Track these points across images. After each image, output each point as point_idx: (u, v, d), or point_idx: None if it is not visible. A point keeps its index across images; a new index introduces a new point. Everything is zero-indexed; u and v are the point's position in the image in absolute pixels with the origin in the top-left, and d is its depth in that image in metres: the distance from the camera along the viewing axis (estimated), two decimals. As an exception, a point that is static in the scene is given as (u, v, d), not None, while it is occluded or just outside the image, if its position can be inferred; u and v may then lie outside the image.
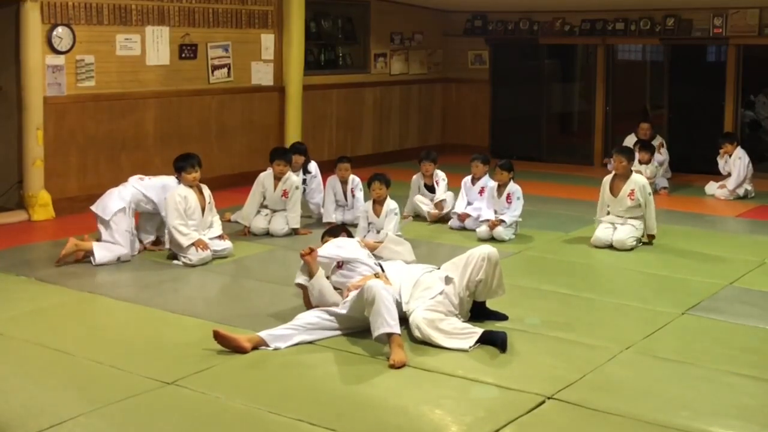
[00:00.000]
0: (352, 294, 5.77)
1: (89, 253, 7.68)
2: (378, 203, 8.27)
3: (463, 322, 5.81)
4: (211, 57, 11.15)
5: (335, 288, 6.10)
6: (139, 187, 8.05)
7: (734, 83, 12.55)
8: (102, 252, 7.68)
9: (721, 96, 12.61)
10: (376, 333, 5.41)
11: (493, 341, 5.54)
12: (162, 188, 8.04)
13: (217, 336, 5.49)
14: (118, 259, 7.73)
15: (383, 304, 5.41)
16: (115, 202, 7.91)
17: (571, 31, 13.63)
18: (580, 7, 13.24)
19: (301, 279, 6.18)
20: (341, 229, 6.79)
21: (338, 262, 6.13)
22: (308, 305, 6.13)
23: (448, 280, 5.91)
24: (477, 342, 5.54)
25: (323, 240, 6.63)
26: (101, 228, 7.87)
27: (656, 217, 8.54)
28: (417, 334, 5.63)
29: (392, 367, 5.23)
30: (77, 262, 7.66)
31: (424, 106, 14.43)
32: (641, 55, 14.40)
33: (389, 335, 5.37)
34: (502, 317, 6.07)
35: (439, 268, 6.12)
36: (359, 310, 5.63)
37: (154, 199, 8.03)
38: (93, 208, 8.03)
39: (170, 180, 8.13)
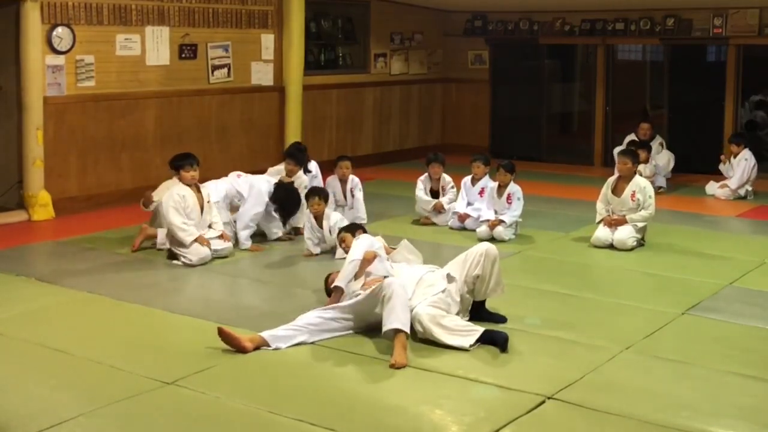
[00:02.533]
0: (364, 291, 5.79)
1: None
2: (317, 218, 8.04)
3: (466, 320, 5.82)
4: (211, 57, 11.15)
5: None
6: (235, 184, 8.36)
7: (734, 83, 12.55)
8: None
9: (721, 96, 12.61)
10: (387, 327, 5.40)
11: (494, 341, 5.54)
12: (250, 186, 8.33)
13: (222, 333, 5.49)
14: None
15: (400, 301, 5.45)
16: (211, 196, 8.14)
17: (571, 31, 13.63)
18: (580, 7, 13.23)
19: (343, 282, 6.11)
20: (357, 227, 6.81)
21: None
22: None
23: (450, 279, 5.92)
24: (478, 341, 5.54)
25: (339, 236, 6.67)
26: None
27: (656, 217, 8.55)
28: (418, 328, 5.62)
29: (392, 366, 5.23)
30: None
31: (424, 106, 14.43)
32: (641, 55, 14.40)
33: (397, 332, 5.37)
34: (501, 319, 6.06)
35: (441, 268, 6.12)
36: (368, 306, 5.65)
37: (244, 194, 8.34)
38: None
39: (259, 180, 8.44)
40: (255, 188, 8.35)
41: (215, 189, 8.31)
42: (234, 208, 8.45)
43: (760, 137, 13.81)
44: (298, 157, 8.96)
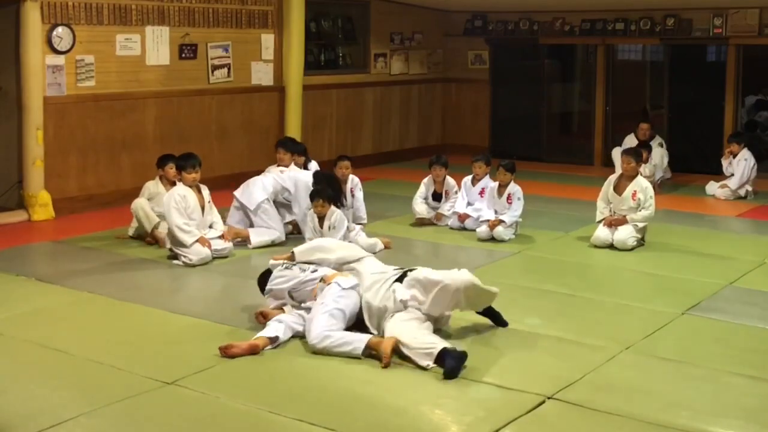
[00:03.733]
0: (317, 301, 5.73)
1: (245, 238, 8.27)
2: (320, 219, 8.02)
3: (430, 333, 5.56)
4: (211, 57, 11.15)
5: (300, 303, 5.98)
6: (279, 179, 8.57)
7: (734, 83, 12.55)
8: (257, 237, 8.26)
9: (721, 96, 12.61)
10: (356, 354, 5.34)
11: (444, 362, 5.17)
12: (295, 181, 8.54)
13: (227, 352, 5.37)
14: (272, 242, 8.27)
15: (340, 340, 5.40)
16: (259, 193, 8.45)
17: (571, 31, 13.63)
18: (580, 7, 13.24)
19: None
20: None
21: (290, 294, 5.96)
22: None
23: (404, 305, 5.63)
24: (436, 362, 5.22)
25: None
26: (250, 215, 8.43)
27: (656, 217, 8.56)
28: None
29: (386, 366, 5.23)
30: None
31: (424, 106, 14.43)
32: (641, 55, 14.40)
33: (366, 348, 5.35)
34: (502, 322, 5.95)
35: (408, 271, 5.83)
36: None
37: (290, 189, 8.56)
38: (237, 195, 8.54)
39: (301, 173, 8.66)
40: (302, 182, 8.51)
41: (263, 185, 8.52)
42: (279, 204, 8.64)
43: (759, 137, 13.83)
44: (288, 144, 9.12)
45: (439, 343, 5.27)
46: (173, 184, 8.22)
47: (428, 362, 5.23)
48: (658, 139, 11.84)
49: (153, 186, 8.57)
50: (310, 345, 5.47)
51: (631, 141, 11.46)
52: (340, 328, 5.55)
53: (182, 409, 4.73)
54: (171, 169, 8.40)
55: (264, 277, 6.14)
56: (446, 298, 5.62)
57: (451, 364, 5.13)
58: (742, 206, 10.60)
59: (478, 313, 5.96)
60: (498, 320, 5.98)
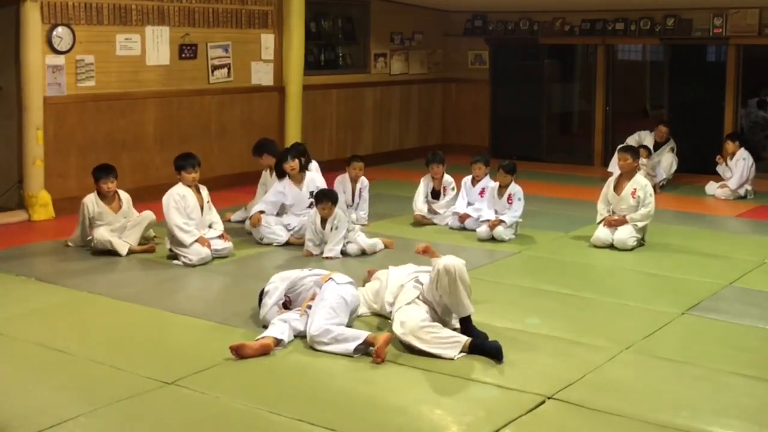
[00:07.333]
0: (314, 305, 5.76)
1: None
2: (323, 221, 8.02)
3: (452, 329, 5.61)
4: (211, 57, 11.15)
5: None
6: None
7: (734, 83, 12.55)
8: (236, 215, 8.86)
9: (721, 96, 12.61)
10: (348, 352, 5.39)
11: (485, 351, 5.36)
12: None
13: (238, 351, 5.35)
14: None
15: (340, 336, 5.45)
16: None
17: (571, 31, 13.63)
18: (580, 7, 13.24)
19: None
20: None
21: (287, 297, 5.98)
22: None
23: (420, 284, 5.79)
24: (465, 352, 5.36)
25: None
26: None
27: (656, 217, 8.55)
28: (398, 331, 5.52)
29: (380, 361, 5.27)
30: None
31: (424, 106, 14.43)
32: (641, 55, 14.41)
33: (364, 343, 5.39)
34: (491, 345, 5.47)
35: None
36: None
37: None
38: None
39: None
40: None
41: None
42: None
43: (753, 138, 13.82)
44: (255, 149, 9.22)
45: (461, 336, 5.44)
46: (105, 198, 8.05)
47: (454, 353, 5.33)
48: (671, 143, 11.85)
49: (91, 204, 8.05)
50: (309, 338, 5.49)
51: (646, 139, 11.47)
52: (342, 322, 5.61)
53: (182, 409, 4.73)
54: (111, 183, 8.06)
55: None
56: (436, 278, 5.59)
57: (494, 345, 5.33)
58: (742, 206, 10.60)
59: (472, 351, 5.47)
60: (491, 353, 5.42)
